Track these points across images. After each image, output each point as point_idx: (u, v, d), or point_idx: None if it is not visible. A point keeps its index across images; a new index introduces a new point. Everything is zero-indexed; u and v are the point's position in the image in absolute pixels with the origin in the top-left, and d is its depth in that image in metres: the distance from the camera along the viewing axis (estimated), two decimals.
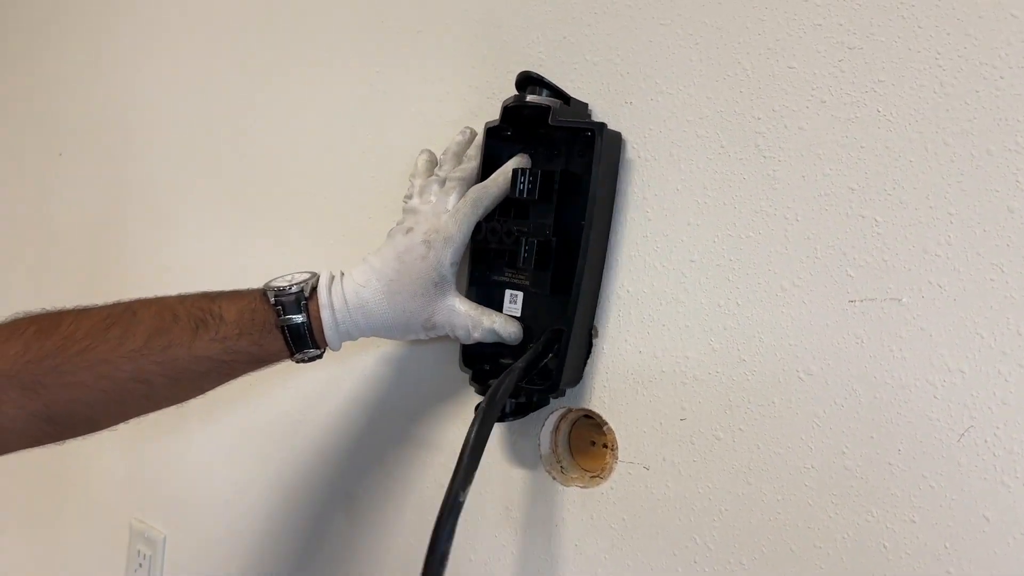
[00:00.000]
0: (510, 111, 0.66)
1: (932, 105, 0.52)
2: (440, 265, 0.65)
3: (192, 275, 1.05)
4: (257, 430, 0.97)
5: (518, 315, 0.67)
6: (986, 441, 0.50)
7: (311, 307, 0.64)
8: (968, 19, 0.51)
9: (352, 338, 0.67)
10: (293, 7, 0.93)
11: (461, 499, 0.55)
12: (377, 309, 0.65)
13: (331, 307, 0.64)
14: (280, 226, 0.94)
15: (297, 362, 0.66)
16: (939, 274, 0.52)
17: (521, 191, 0.65)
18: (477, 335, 0.66)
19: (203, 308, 0.63)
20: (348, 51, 0.87)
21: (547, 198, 0.65)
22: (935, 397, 0.52)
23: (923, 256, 0.52)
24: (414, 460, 0.80)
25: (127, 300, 0.64)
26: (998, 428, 0.50)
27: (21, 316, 0.61)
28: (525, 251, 0.64)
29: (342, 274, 0.67)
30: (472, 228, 0.66)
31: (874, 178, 0.54)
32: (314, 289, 0.65)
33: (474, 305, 0.67)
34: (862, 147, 0.55)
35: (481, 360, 0.69)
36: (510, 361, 0.65)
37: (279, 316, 0.63)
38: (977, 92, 0.51)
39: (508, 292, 0.68)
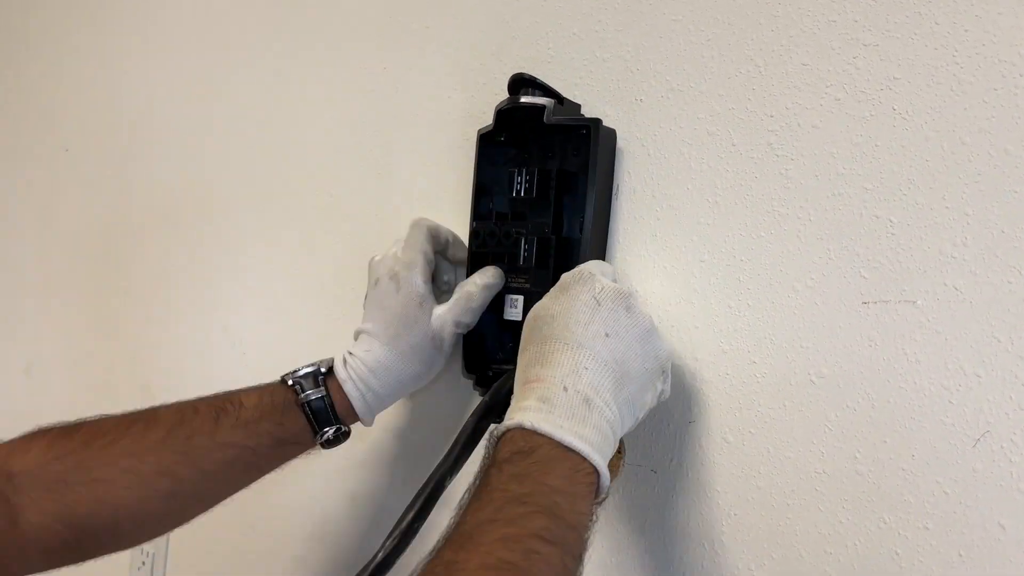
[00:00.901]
0: (504, 115, 0.66)
1: (949, 103, 0.51)
2: (414, 288, 0.65)
3: (198, 272, 1.05)
4: None
5: (519, 319, 0.66)
6: (1002, 447, 0.49)
7: (330, 384, 0.65)
8: (987, 16, 0.50)
9: (383, 405, 0.67)
10: (302, 2, 0.93)
11: (446, 483, 0.56)
12: (388, 360, 0.65)
13: (351, 380, 0.65)
14: (285, 220, 0.93)
15: (323, 445, 0.66)
16: (955, 276, 0.51)
17: (518, 191, 0.64)
18: (476, 305, 0.65)
19: (222, 399, 0.64)
20: (355, 47, 0.86)
21: (544, 197, 0.64)
22: (950, 402, 0.51)
23: (939, 257, 0.51)
24: (419, 464, 0.79)
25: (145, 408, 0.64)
26: (1015, 434, 0.48)
27: (39, 429, 0.62)
28: (525, 250, 0.64)
29: (350, 353, 0.67)
30: (424, 244, 0.67)
31: (889, 177, 0.53)
32: (331, 369, 0.66)
33: (454, 296, 0.66)
34: (877, 145, 0.54)
35: (483, 366, 0.69)
36: (513, 366, 0.65)
37: (298, 395, 0.64)
38: (996, 90, 0.49)
39: (508, 297, 0.67)
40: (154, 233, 1.12)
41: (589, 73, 0.68)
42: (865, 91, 0.54)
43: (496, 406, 0.59)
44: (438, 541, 0.45)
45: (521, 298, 0.67)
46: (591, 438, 0.49)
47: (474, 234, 0.68)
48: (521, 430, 0.49)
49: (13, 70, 1.41)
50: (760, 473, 0.58)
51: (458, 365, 0.71)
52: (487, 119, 0.69)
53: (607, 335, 0.53)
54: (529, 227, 0.65)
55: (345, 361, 0.66)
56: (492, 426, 0.51)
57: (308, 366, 0.65)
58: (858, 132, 0.54)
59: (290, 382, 0.64)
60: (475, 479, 0.49)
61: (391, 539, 0.55)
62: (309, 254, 0.91)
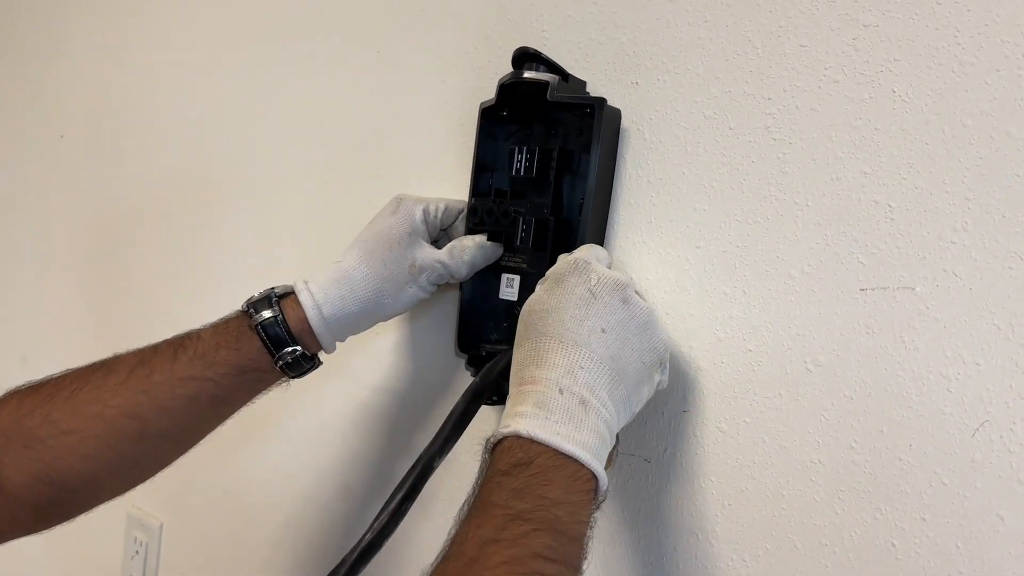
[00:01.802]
0: (507, 89, 0.64)
1: (950, 85, 0.50)
2: (411, 215, 0.65)
3: (195, 260, 1.04)
4: (253, 422, 0.95)
5: (515, 299, 0.66)
6: (1002, 436, 0.48)
7: (286, 304, 0.63)
8: None
9: (342, 325, 0.64)
10: None
11: (435, 465, 0.56)
12: (358, 273, 0.63)
13: (309, 291, 0.63)
14: (283, 206, 0.93)
15: (287, 373, 0.63)
16: (955, 262, 0.50)
17: (518, 169, 0.63)
18: (467, 257, 0.64)
19: (182, 336, 0.62)
20: (350, 32, 0.85)
21: (545, 176, 0.63)
22: (949, 390, 0.50)
23: (938, 243, 0.50)
24: (409, 449, 0.78)
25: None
26: (1015, 423, 0.47)
27: (8, 392, 0.61)
28: (523, 231, 0.63)
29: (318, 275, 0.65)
30: (441, 202, 0.67)
31: (888, 161, 0.52)
32: (289, 292, 0.63)
33: (447, 245, 0.65)
34: (876, 129, 0.52)
35: (477, 345, 0.68)
36: (506, 346, 0.64)
37: (251, 317, 0.62)
38: (998, 71, 0.48)
39: (504, 276, 0.66)
40: (150, 221, 1.11)
41: (585, 56, 0.66)
42: (865, 73, 0.53)
43: (487, 388, 0.58)
44: (438, 557, 0.44)
45: (517, 278, 0.66)
46: (589, 443, 0.48)
47: (472, 211, 0.67)
48: (518, 438, 0.48)
49: (8, 56, 1.40)
50: (755, 463, 0.57)
51: (451, 344, 0.71)
52: (482, 96, 0.68)
53: (603, 331, 0.52)
54: (528, 207, 0.64)
55: (307, 281, 0.64)
56: (490, 434, 0.50)
57: (265, 290, 0.64)
58: (857, 115, 0.53)
59: (244, 307, 0.63)
60: (473, 490, 0.48)
61: (379, 520, 0.54)
62: (307, 238, 0.90)
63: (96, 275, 1.20)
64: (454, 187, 0.72)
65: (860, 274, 0.53)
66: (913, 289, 0.51)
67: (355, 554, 0.55)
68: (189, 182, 1.05)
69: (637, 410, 0.55)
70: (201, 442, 0.64)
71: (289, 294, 0.63)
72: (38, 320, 1.31)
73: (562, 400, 0.49)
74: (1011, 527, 0.47)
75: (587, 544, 0.47)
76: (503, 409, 0.66)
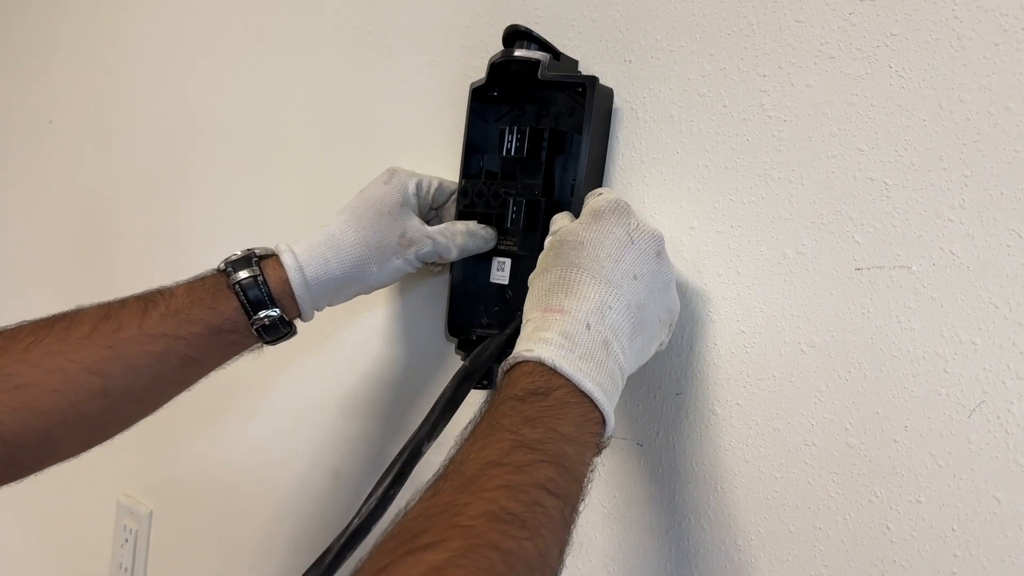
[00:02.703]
0: (497, 68, 0.63)
1: (948, 59, 0.49)
2: (403, 189, 0.63)
3: (183, 245, 1.03)
4: (243, 408, 0.94)
5: (506, 283, 0.65)
6: (999, 417, 0.47)
7: (266, 265, 0.60)
8: None
9: (324, 289, 0.61)
10: None
11: (424, 449, 0.54)
12: (345, 238, 0.61)
13: (292, 253, 0.60)
14: (270, 191, 0.91)
15: (263, 337, 0.60)
16: (952, 240, 0.49)
17: (509, 150, 0.62)
18: (459, 240, 0.63)
19: (153, 291, 0.59)
20: (338, 11, 0.84)
21: (536, 157, 0.62)
22: (945, 371, 0.49)
23: (935, 221, 0.49)
24: (400, 434, 0.78)
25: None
26: (1012, 403, 0.47)
27: None
28: (513, 212, 0.62)
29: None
30: (436, 180, 0.66)
31: (885, 139, 0.51)
32: (270, 254, 0.61)
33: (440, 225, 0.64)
34: (872, 105, 0.51)
35: (467, 329, 0.67)
36: (497, 330, 0.63)
37: (228, 277, 0.59)
38: (997, 45, 0.47)
39: (496, 260, 0.65)
40: (138, 207, 1.10)
41: (578, 34, 0.65)
42: (861, 48, 0.52)
43: (477, 371, 0.57)
44: (435, 476, 0.42)
45: (508, 261, 0.65)
46: (605, 385, 0.47)
47: (462, 192, 0.66)
48: (540, 365, 0.46)
49: None
50: (748, 446, 0.56)
51: (442, 328, 0.70)
52: (474, 75, 0.66)
53: (635, 277, 0.51)
54: (519, 188, 0.63)
55: (290, 244, 0.61)
56: (511, 355, 0.48)
57: (246, 249, 0.61)
58: (853, 91, 0.52)
59: (222, 266, 0.59)
60: (480, 412, 0.46)
61: (367, 505, 0.53)
62: (297, 222, 0.89)
63: (83, 261, 1.19)
64: (446, 168, 0.71)
65: (855, 253, 0.52)
66: (909, 268, 0.50)
67: (342, 540, 0.54)
68: (178, 170, 1.04)
69: (643, 363, 0.54)
70: (192, 430, 0.61)
71: (270, 256, 0.61)
72: (24, 307, 1.29)
73: (588, 337, 0.48)
74: (1007, 509, 0.47)
75: (587, 488, 0.45)
76: None
